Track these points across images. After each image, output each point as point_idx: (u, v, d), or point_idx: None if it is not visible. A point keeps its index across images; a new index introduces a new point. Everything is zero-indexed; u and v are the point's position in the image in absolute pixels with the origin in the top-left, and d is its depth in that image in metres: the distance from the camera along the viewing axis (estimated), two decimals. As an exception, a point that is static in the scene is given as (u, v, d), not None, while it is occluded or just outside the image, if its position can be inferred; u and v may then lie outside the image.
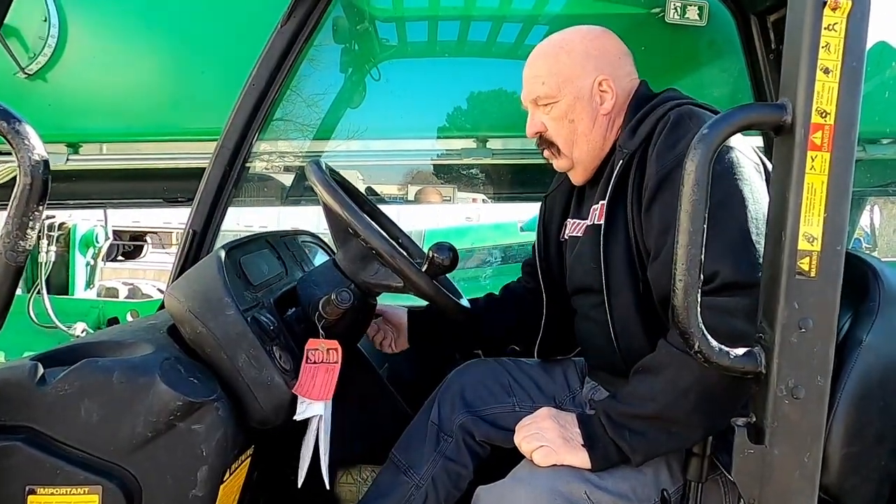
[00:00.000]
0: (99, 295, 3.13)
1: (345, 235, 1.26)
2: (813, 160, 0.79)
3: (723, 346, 0.85)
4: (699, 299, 0.83)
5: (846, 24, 0.78)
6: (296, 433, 1.24)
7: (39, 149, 0.80)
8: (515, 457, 1.42)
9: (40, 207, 0.81)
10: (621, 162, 1.16)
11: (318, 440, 1.12)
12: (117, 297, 3.18)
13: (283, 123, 2.80)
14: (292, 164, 2.96)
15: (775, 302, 0.82)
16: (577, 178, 1.32)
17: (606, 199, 1.16)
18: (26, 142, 0.79)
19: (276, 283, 1.35)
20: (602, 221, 1.17)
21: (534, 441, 1.07)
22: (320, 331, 1.17)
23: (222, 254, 1.15)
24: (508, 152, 2.55)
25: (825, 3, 0.78)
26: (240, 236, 1.45)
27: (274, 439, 1.25)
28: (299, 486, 1.14)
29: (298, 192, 3.07)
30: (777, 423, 0.82)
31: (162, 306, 1.70)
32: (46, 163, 0.81)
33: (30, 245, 0.82)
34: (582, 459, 1.02)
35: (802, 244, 0.80)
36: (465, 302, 1.36)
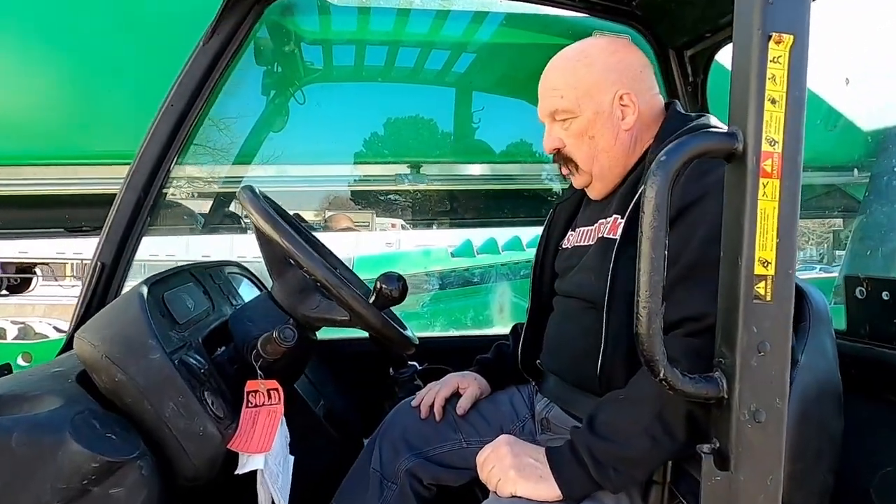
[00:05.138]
0: (-16, 336, 2.78)
1: (281, 266, 1.17)
2: (764, 187, 0.81)
3: (686, 373, 0.84)
4: (662, 326, 0.83)
5: (789, 56, 0.81)
6: (232, 486, 1.12)
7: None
8: (467, 495, 1.36)
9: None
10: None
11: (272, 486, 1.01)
12: (5, 339, 2.84)
13: (198, 147, 2.65)
14: (209, 191, 2.80)
15: (734, 327, 0.83)
16: (596, 193, 1.27)
17: (626, 215, 1.11)
18: None
19: (203, 320, 1.23)
20: (617, 236, 1.13)
21: (494, 473, 1.02)
22: (258, 371, 1.07)
23: (144, 290, 1.03)
24: (443, 178, 2.53)
25: (770, 37, 0.81)
26: (151, 267, 1.33)
27: (207, 495, 1.12)
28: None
29: (217, 220, 2.91)
30: (741, 448, 0.83)
31: (65, 348, 1.52)
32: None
33: None
34: (547, 490, 0.98)
35: (758, 269, 0.82)
36: (410, 333, 1.30)
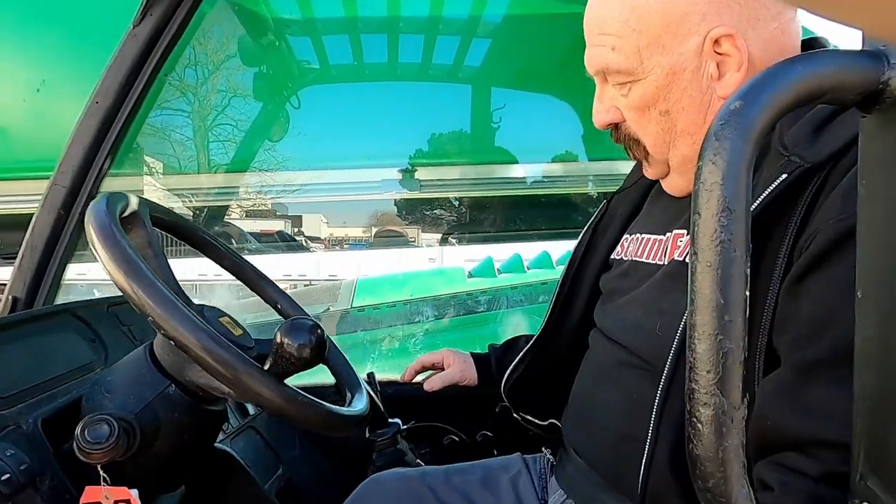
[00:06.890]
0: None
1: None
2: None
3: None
4: (744, 443, 0.41)
5: None
6: None
7: None
8: None
9: None
10: (784, 176, 0.63)
11: None
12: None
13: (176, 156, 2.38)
14: (196, 205, 2.53)
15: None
16: (677, 189, 0.84)
17: None
18: None
19: (65, 385, 0.88)
20: None
21: None
22: (101, 473, 0.70)
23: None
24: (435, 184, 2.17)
25: None
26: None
27: None
28: None
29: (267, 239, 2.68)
30: None
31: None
32: None
33: None
34: None
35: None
36: (360, 403, 0.90)
